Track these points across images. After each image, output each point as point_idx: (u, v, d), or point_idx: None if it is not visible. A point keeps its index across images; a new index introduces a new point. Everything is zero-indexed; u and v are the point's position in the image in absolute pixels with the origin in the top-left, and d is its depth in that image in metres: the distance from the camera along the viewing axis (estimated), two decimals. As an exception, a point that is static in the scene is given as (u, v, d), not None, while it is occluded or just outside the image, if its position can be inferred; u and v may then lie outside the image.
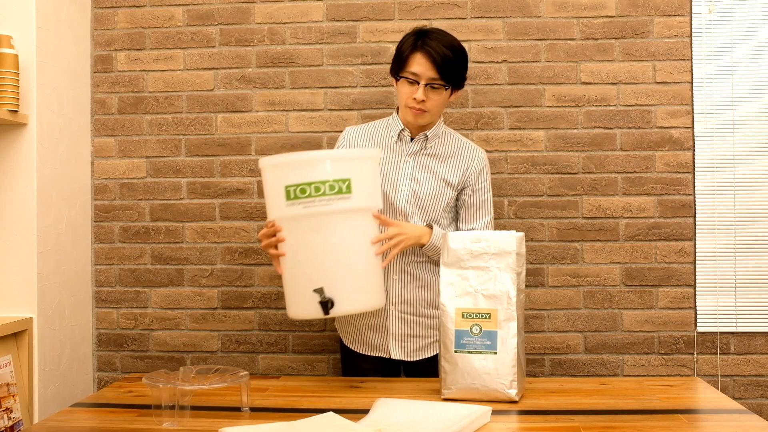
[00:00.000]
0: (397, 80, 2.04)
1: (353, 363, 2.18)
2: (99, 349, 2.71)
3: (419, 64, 1.97)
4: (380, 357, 2.14)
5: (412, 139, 2.10)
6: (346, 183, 1.80)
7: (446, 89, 2.01)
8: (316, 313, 1.78)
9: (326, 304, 1.76)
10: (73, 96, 2.58)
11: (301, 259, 1.82)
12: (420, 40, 1.98)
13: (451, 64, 1.98)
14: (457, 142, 2.14)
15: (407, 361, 2.14)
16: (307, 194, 1.78)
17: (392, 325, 2.11)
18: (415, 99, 1.99)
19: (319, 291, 1.77)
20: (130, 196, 2.71)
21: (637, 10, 2.59)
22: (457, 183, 2.10)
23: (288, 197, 1.79)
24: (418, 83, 1.99)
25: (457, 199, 2.13)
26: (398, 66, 2.02)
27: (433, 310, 2.12)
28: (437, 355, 2.09)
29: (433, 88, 1.99)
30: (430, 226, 2.02)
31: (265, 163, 1.85)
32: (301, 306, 1.82)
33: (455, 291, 1.77)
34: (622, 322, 2.59)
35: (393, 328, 2.11)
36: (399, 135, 2.11)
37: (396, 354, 2.12)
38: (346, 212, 1.81)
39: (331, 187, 1.79)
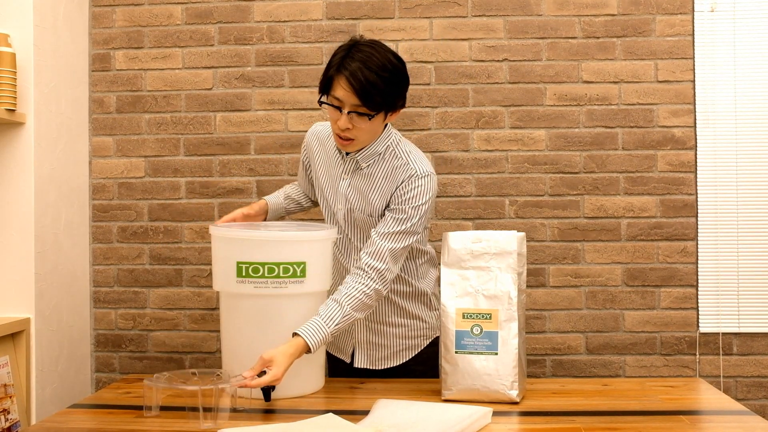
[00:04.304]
0: (320, 103, 1.84)
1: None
2: (97, 349, 2.70)
3: (341, 89, 1.75)
4: (343, 361, 2.06)
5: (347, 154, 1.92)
6: (301, 266, 1.76)
7: (374, 117, 1.78)
8: (256, 395, 1.69)
9: (268, 391, 1.68)
10: (71, 95, 2.57)
11: (246, 338, 1.77)
12: (345, 59, 1.76)
13: (377, 90, 1.74)
14: (395, 162, 1.89)
15: (370, 370, 2.03)
16: (260, 274, 1.73)
17: (358, 332, 2.02)
18: (339, 126, 1.79)
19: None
20: (128, 195, 2.69)
21: (639, 8, 2.57)
22: (383, 208, 1.91)
23: (239, 274, 1.74)
24: (341, 110, 1.77)
25: None
26: (323, 85, 1.81)
27: (401, 318, 2.02)
28: (403, 365, 2.04)
29: (359, 114, 1.77)
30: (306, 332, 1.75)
31: (217, 234, 1.80)
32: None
33: (456, 291, 1.76)
34: (623, 322, 2.58)
35: (358, 335, 2.02)
36: (338, 148, 1.93)
37: (359, 362, 2.03)
38: (299, 296, 1.77)
39: (286, 270, 1.74)
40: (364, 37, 1.84)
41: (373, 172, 1.90)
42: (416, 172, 1.87)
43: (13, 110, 2.22)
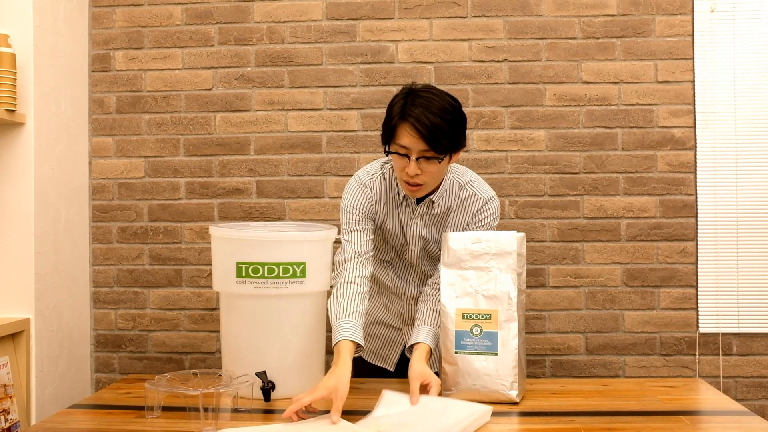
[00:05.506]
0: (386, 153, 1.82)
1: (361, 369, 2.12)
2: (97, 350, 2.70)
3: (407, 136, 1.73)
4: (386, 369, 2.09)
5: (418, 202, 1.92)
6: (301, 267, 1.76)
7: (443, 160, 1.78)
8: (256, 395, 1.70)
9: (268, 391, 1.69)
10: (71, 95, 2.57)
11: (246, 338, 1.77)
12: (406, 106, 1.75)
13: (443, 133, 1.72)
14: (461, 194, 1.93)
15: None
16: (259, 274, 1.74)
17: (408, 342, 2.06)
18: (408, 173, 1.77)
19: (262, 375, 1.70)
20: (128, 196, 2.69)
21: (639, 9, 2.57)
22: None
23: (239, 274, 1.75)
24: (409, 157, 1.75)
25: None
26: (387, 135, 1.80)
27: None
28: None
29: (428, 159, 1.75)
30: (423, 344, 1.85)
31: (217, 234, 1.80)
32: None
33: (455, 291, 1.76)
34: (623, 322, 2.58)
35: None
36: (404, 198, 1.92)
37: None
38: (299, 296, 1.78)
39: (285, 270, 1.74)
40: (417, 84, 1.83)
41: (445, 206, 1.93)
42: (485, 199, 1.94)
43: (13, 110, 2.22)
